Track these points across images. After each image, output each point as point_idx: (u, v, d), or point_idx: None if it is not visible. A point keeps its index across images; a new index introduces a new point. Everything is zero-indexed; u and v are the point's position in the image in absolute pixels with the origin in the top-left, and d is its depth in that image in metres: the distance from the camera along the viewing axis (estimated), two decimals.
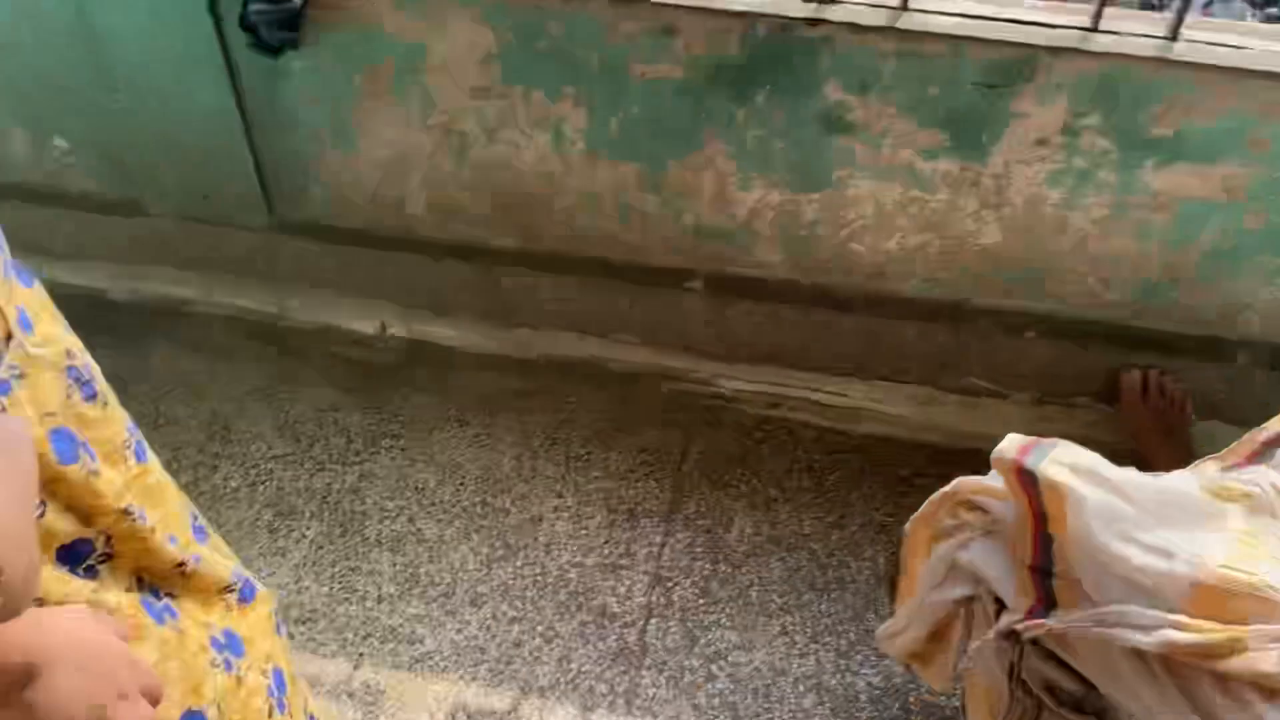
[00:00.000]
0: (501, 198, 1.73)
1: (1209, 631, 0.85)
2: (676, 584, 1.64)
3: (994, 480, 1.11)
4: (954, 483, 1.16)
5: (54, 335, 0.64)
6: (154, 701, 0.58)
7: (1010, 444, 1.03)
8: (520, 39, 1.52)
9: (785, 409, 1.86)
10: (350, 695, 1.51)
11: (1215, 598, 0.86)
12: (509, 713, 1.49)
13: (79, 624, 0.56)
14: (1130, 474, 0.99)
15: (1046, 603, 1.03)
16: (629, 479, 1.76)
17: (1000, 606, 1.11)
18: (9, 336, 0.58)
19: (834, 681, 1.53)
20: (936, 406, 1.81)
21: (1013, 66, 1.42)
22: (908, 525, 1.27)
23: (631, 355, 1.88)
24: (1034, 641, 1.07)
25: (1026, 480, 1.00)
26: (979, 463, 1.12)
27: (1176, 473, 1.06)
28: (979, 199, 1.58)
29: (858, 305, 1.74)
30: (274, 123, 1.70)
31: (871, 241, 1.67)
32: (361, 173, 1.74)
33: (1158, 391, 1.69)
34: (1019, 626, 1.02)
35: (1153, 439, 1.67)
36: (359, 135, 1.69)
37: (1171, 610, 0.89)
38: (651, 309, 1.83)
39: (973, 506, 1.14)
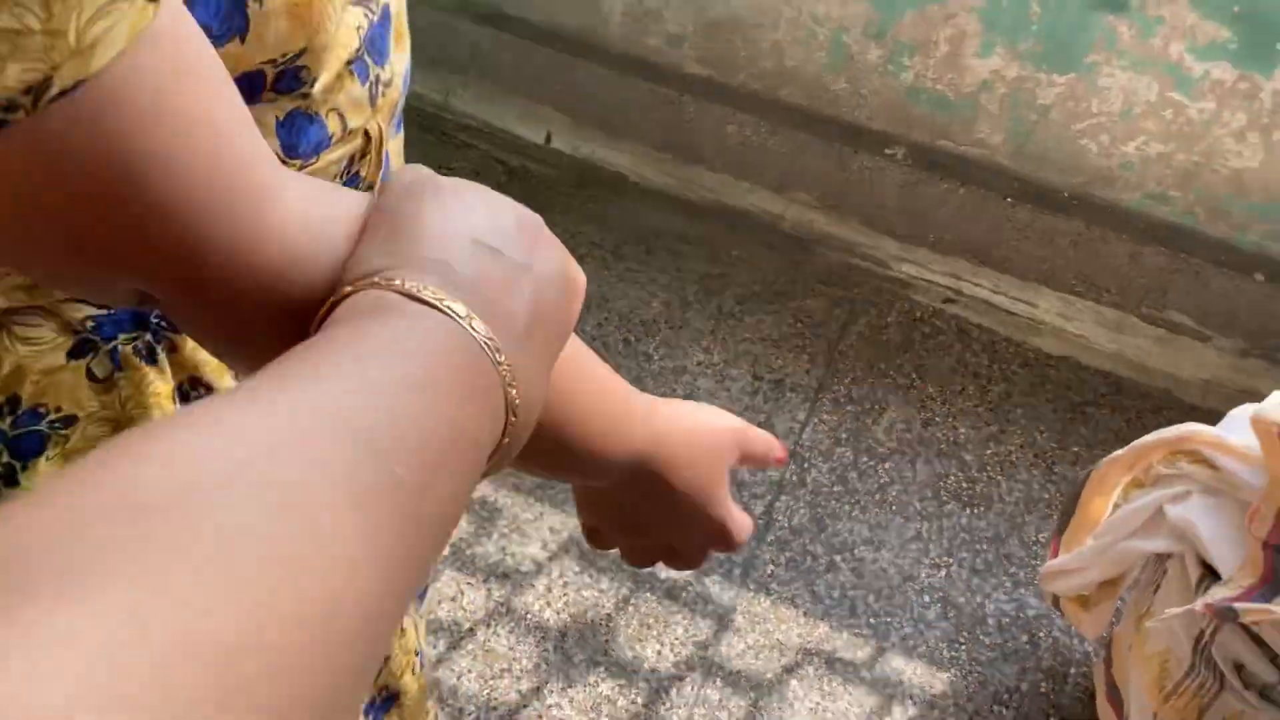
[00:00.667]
0: (707, 16, 1.57)
1: None
2: (813, 466, 1.55)
3: (1235, 436, 0.98)
4: (1181, 429, 1.03)
5: None
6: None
7: (1276, 404, 0.89)
8: None
9: (961, 305, 1.71)
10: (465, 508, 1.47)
11: None
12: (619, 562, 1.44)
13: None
14: None
15: (1274, 583, 0.91)
16: (781, 346, 1.66)
17: (1206, 571, 0.99)
18: None
19: (962, 599, 1.44)
20: (1128, 335, 1.65)
21: None
22: (1101, 464, 1.15)
23: (808, 216, 1.74)
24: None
25: None
26: (1165, 405, 0.99)
27: None
28: (1249, 115, 1.38)
29: (1073, 208, 1.57)
30: None
31: (1108, 141, 1.48)
32: None
33: None
34: (1240, 607, 0.90)
35: None
36: None
37: None
38: (843, 171, 1.68)
39: (1198, 459, 1.01)
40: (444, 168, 1.50)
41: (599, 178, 1.80)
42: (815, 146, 1.66)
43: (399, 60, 0.48)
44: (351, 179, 0.47)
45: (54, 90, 0.25)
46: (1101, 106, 1.45)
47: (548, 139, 1.81)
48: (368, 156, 0.47)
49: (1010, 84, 1.47)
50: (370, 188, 0.48)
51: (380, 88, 0.46)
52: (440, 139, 1.84)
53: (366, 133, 0.46)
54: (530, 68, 1.76)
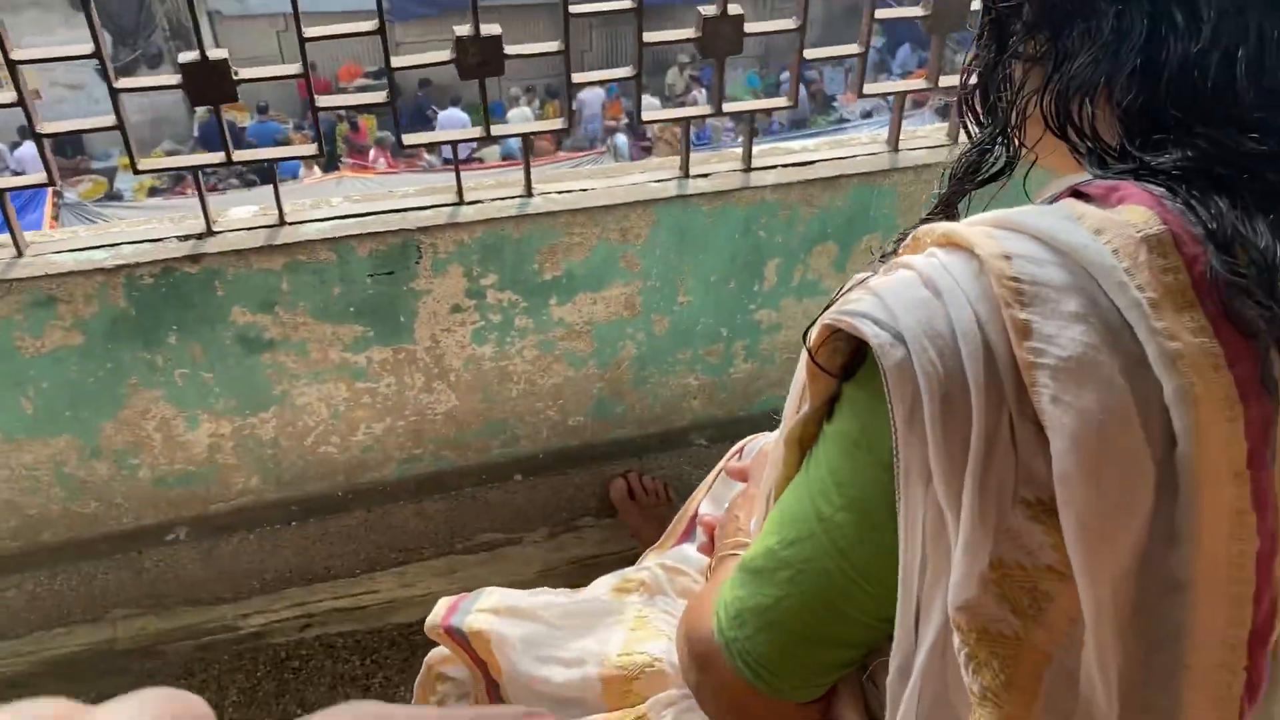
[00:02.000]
0: None
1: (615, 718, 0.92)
2: None
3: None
4: (425, 660, 1.18)
5: None
6: None
7: (438, 609, 1.07)
8: None
9: (318, 626, 1.80)
10: None
11: (620, 686, 0.94)
12: None
13: None
14: (548, 597, 1.06)
15: None
16: None
17: None
18: None
19: None
20: (461, 571, 1.85)
21: (399, 252, 1.52)
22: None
23: (136, 627, 1.74)
24: None
25: (459, 638, 1.04)
26: None
27: (598, 580, 1.15)
28: (423, 373, 1.66)
29: (351, 502, 1.75)
30: None
31: (340, 440, 1.69)
32: None
33: (642, 490, 1.85)
34: None
35: (651, 534, 1.81)
36: None
37: (596, 711, 0.95)
38: (141, 572, 1.71)
39: (444, 678, 1.16)
40: None
41: None
42: (105, 566, 1.68)
43: None
44: None
45: None
46: (315, 418, 1.65)
47: None
48: None
49: (231, 437, 1.63)
50: None
51: None
52: None
53: None
54: None
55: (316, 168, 8.73)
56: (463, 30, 1.40)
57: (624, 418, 1.82)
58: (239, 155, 1.45)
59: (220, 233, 1.48)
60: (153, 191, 10.33)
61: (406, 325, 1.60)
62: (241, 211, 1.53)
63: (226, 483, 1.67)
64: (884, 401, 0.63)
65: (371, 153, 9.50)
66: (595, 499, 1.89)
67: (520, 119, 10.10)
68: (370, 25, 1.38)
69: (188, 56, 1.34)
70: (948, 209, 0.82)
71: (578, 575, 1.72)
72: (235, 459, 1.65)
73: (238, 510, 1.70)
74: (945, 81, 1.64)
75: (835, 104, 11.61)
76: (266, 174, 1.54)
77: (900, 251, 0.72)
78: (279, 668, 1.75)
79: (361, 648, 1.78)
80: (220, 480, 1.67)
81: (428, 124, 11.02)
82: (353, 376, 1.62)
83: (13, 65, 1.29)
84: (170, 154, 10.34)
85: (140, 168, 1.42)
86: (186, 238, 1.47)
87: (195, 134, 10.63)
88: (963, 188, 0.80)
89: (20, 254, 1.43)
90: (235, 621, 1.78)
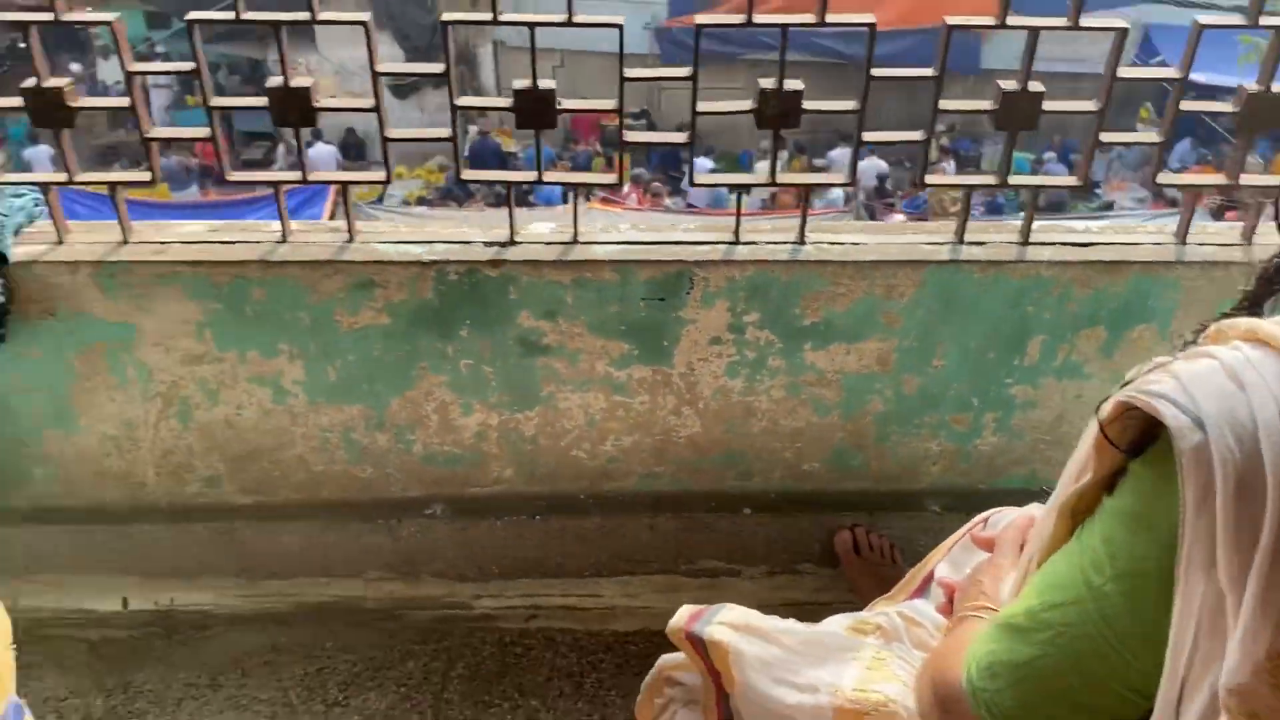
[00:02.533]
0: (231, 454, 1.78)
1: None
2: None
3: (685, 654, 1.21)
4: (657, 662, 1.25)
5: None
6: None
7: (680, 614, 1.14)
8: (229, 307, 1.61)
9: (543, 619, 1.92)
10: None
11: (852, 718, 0.97)
12: None
13: None
14: (786, 623, 1.11)
15: None
16: (391, 716, 1.76)
17: None
18: None
19: None
20: (681, 592, 1.92)
21: (673, 281, 1.62)
22: (636, 710, 1.35)
23: (385, 589, 1.91)
24: None
25: (698, 645, 1.10)
26: None
27: (832, 617, 1.19)
28: (675, 396, 1.75)
29: (591, 507, 1.86)
30: None
31: (590, 447, 1.80)
32: (86, 449, 1.76)
33: (868, 546, 1.86)
34: None
35: (871, 591, 1.82)
36: (79, 414, 1.72)
37: None
38: (398, 540, 1.88)
39: (674, 682, 1.22)
40: (25, 668, 1.53)
41: (184, 622, 1.88)
42: (368, 527, 1.86)
43: None
44: None
45: None
46: (572, 422, 1.77)
47: (124, 604, 1.88)
48: None
49: (497, 428, 1.77)
50: None
51: None
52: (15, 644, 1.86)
53: None
54: (89, 545, 1.86)
55: (571, 196, 9.17)
56: (767, 83, 1.49)
57: (860, 471, 1.85)
58: (550, 176, 1.59)
59: (521, 243, 1.63)
60: (420, 200, 11.18)
61: (668, 350, 1.69)
62: (541, 227, 1.68)
63: (486, 470, 1.82)
64: (1173, 483, 0.65)
65: (625, 188, 9.88)
66: (818, 546, 1.92)
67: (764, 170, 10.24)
68: (684, 71, 1.49)
69: (521, 84, 1.49)
70: (1254, 307, 0.82)
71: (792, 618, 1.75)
72: (497, 449, 1.79)
73: (491, 496, 1.84)
74: (1248, 179, 1.59)
75: (1098, 190, 11.14)
76: (563, 195, 1.67)
77: (1202, 341, 0.73)
78: (503, 650, 1.87)
79: (579, 646, 1.88)
80: (481, 466, 1.81)
81: (678, 167, 11.39)
82: (612, 390, 1.73)
83: (376, 77, 1.48)
84: (442, 169, 11.16)
85: (464, 177, 1.59)
86: (491, 244, 1.62)
87: (465, 153, 11.43)
88: (1271, 289, 0.80)
89: (351, 239, 1.63)
90: (471, 601, 1.92)
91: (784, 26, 1.46)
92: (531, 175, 1.59)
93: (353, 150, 12.12)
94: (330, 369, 1.69)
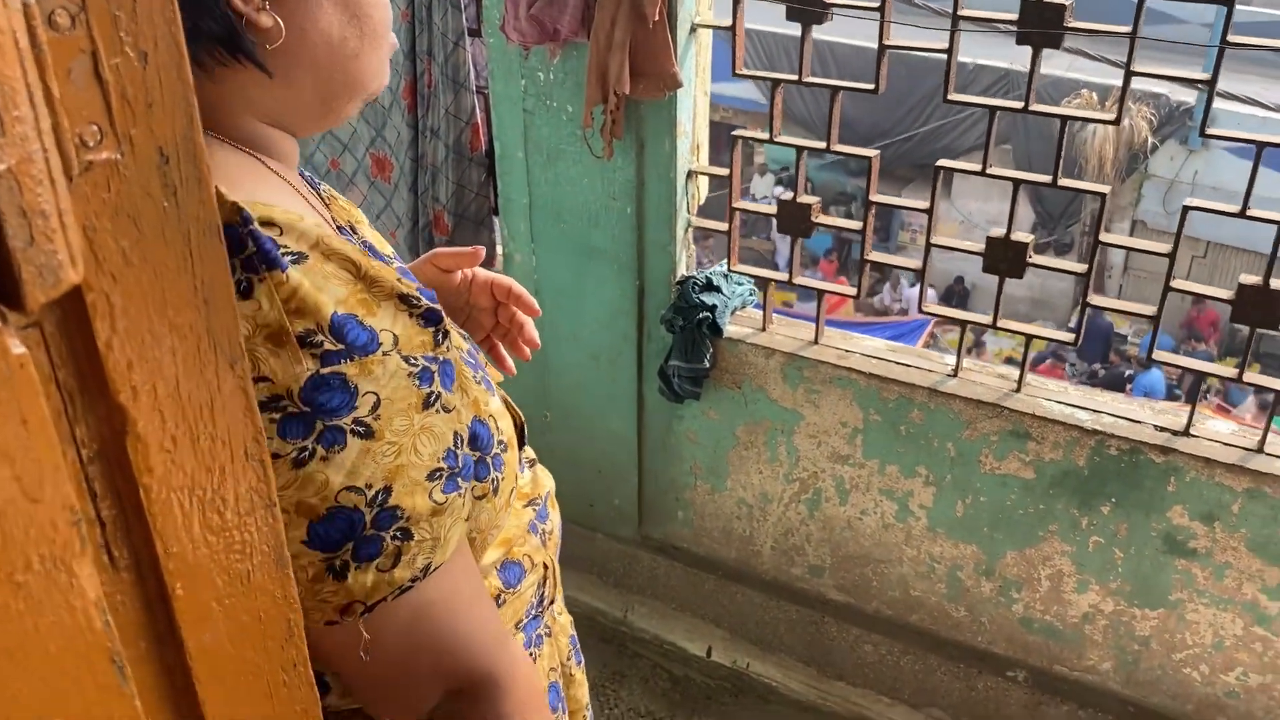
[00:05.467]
0: (842, 553, 1.90)
1: None
2: None
3: None
4: None
5: None
6: None
7: None
8: (886, 421, 1.75)
9: None
10: None
11: None
12: None
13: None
14: None
15: None
16: None
17: None
18: None
19: None
20: None
21: None
22: None
23: None
24: None
25: None
26: None
27: None
28: None
29: None
30: (662, 454, 2.03)
31: (1209, 671, 1.64)
32: (722, 508, 2.00)
33: None
34: None
35: None
36: (728, 476, 1.96)
37: None
38: (971, 690, 1.86)
39: None
40: (617, 674, 1.82)
41: (752, 687, 2.03)
42: (944, 667, 1.87)
43: (555, 514, 0.85)
44: (540, 598, 0.81)
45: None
46: (1194, 639, 1.63)
47: (708, 652, 2.09)
48: (548, 580, 0.82)
49: (1109, 616, 1.69)
50: (553, 602, 0.83)
51: (546, 536, 0.82)
52: (617, 650, 2.16)
53: (545, 564, 0.81)
54: (696, 591, 2.10)
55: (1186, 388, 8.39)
56: None
57: None
58: (1213, 368, 1.50)
59: (1196, 436, 1.55)
60: (1007, 360, 11.00)
61: None
62: (1221, 426, 1.59)
63: (1081, 653, 1.74)
64: None
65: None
66: None
67: None
68: None
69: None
70: None
71: None
72: (1101, 637, 1.71)
73: (1077, 682, 1.76)
74: None
75: None
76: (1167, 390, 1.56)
77: None
78: None
79: None
80: (1077, 648, 1.74)
81: None
82: (1255, 619, 1.57)
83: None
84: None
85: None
86: (1163, 429, 1.57)
87: (1071, 324, 11.02)
88: None
89: (1019, 389, 1.68)
90: None
91: None
92: (1227, 371, 1.51)
93: (954, 298, 12.32)
94: (959, 503, 1.74)
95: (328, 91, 0.65)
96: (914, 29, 1.80)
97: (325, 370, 0.57)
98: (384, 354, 0.60)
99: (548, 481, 0.89)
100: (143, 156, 0.37)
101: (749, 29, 1.70)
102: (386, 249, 0.77)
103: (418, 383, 0.62)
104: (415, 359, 0.62)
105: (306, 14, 0.61)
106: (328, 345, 0.57)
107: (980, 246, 1.60)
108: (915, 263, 1.71)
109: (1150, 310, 1.53)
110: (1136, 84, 1.36)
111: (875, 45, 1.53)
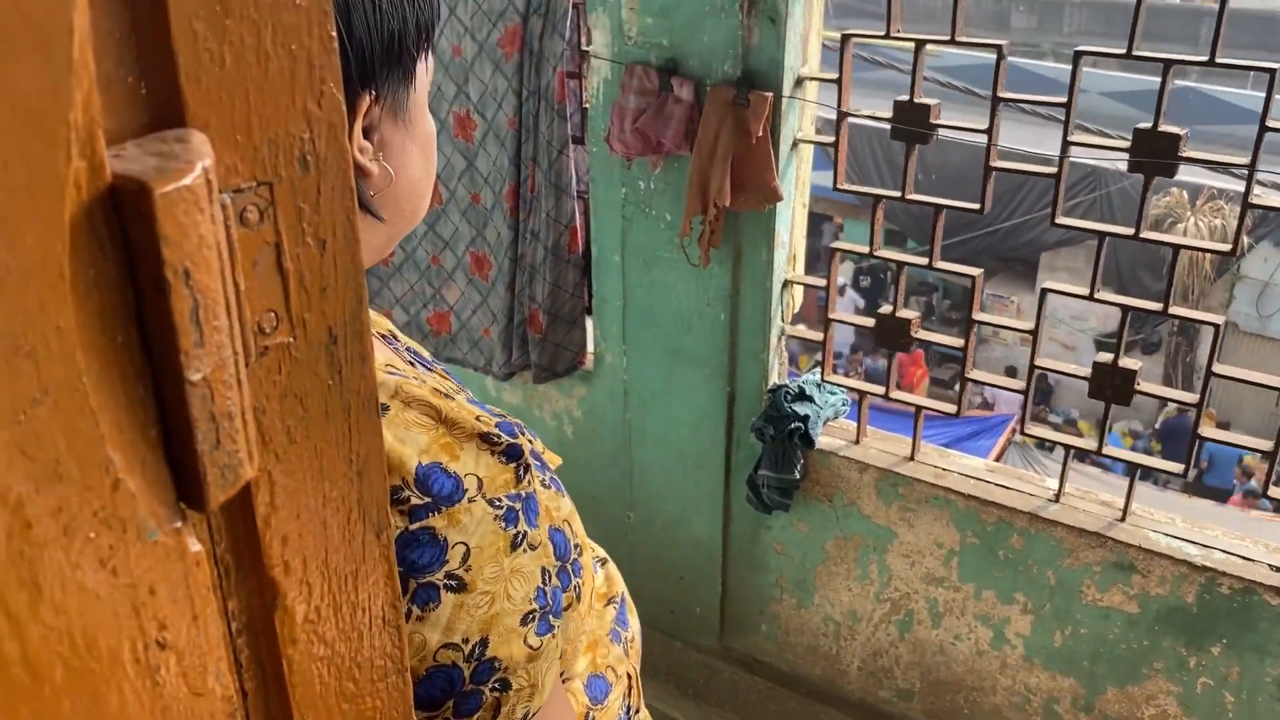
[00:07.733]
0: (933, 678, 1.83)
1: None
2: None
3: None
4: None
5: None
6: None
7: None
8: (984, 544, 1.70)
9: None
10: None
11: None
12: None
13: None
14: None
15: None
16: None
17: None
18: None
19: None
20: None
21: None
22: None
23: None
24: None
25: None
26: None
27: None
28: None
29: None
30: (747, 563, 1.99)
31: None
32: (809, 623, 1.95)
33: None
34: None
35: None
36: (815, 591, 1.92)
37: None
38: None
39: None
40: None
41: None
42: None
43: (634, 620, 0.83)
44: (626, 709, 0.79)
45: None
46: None
47: None
48: (633, 690, 0.80)
49: None
50: (638, 711, 0.81)
51: (629, 644, 0.80)
52: None
53: (629, 674, 0.79)
54: (778, 708, 2.04)
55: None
56: None
57: None
58: None
59: None
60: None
61: None
62: None
63: None
64: None
65: None
66: None
67: None
68: None
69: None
70: None
71: None
72: None
73: None
74: None
75: None
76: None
77: None
78: None
79: None
80: None
81: None
82: None
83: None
84: (1133, 434, 10.50)
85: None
86: (1278, 570, 1.49)
87: (1157, 425, 10.67)
88: None
89: (1123, 518, 1.61)
90: None
91: None
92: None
93: (1038, 395, 12.03)
94: (1058, 633, 1.67)
95: (400, 229, 0.67)
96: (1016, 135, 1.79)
97: (414, 526, 0.57)
98: (469, 501, 0.59)
99: (619, 580, 0.88)
100: (314, 338, 0.38)
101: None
102: (425, 354, 0.78)
103: (504, 525, 0.61)
104: (500, 500, 0.61)
105: (403, 161, 0.63)
106: (414, 500, 0.57)
107: (1086, 371, 1.56)
108: (1019, 384, 1.67)
109: (1267, 445, 1.47)
110: (1228, 182, 1.32)
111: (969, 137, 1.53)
